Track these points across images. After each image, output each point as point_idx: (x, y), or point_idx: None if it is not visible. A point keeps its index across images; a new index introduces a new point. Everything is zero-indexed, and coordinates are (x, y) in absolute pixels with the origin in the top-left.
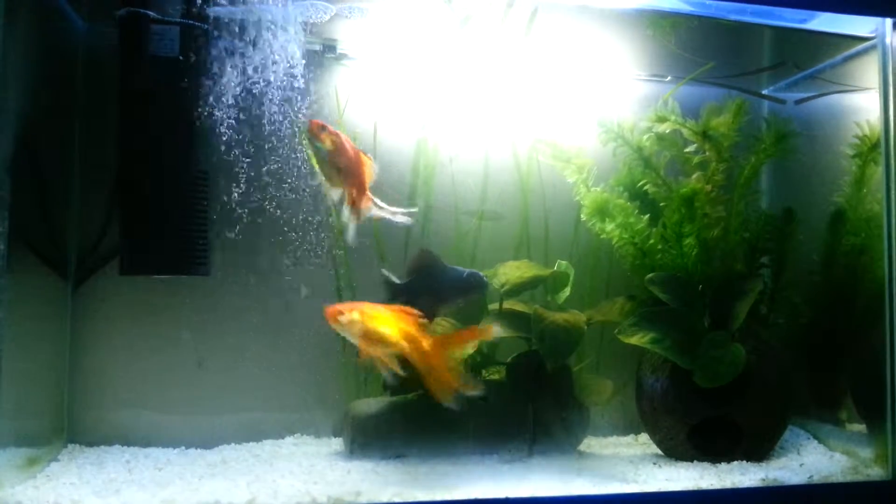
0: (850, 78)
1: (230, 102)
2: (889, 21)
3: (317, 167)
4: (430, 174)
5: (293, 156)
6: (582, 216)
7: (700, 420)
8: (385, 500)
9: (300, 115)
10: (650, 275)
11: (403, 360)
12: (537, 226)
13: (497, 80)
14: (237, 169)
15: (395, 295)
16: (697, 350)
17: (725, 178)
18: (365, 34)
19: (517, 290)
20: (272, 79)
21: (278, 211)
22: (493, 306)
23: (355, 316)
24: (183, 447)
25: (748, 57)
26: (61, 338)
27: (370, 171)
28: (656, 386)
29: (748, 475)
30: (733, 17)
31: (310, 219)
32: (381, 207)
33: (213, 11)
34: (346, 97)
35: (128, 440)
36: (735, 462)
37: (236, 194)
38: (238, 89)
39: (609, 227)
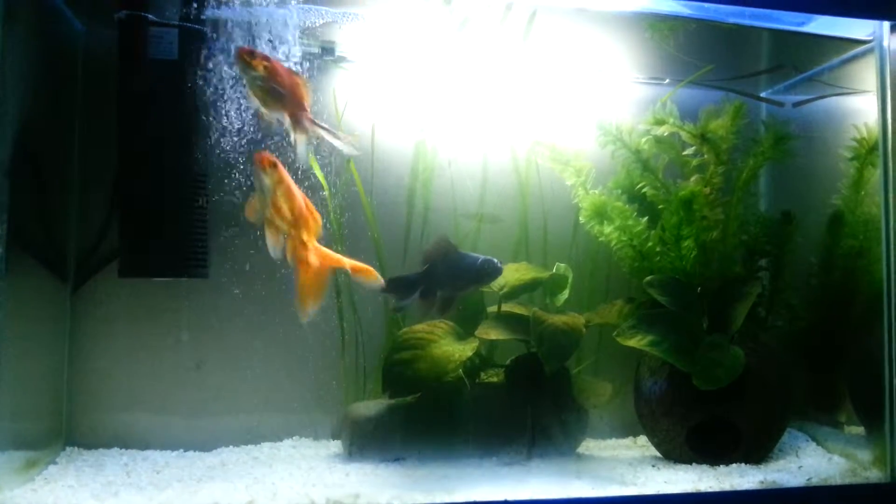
0: (847, 81)
1: (228, 104)
2: (887, 24)
3: (252, 95)
4: (429, 177)
5: (292, 156)
6: (581, 219)
7: (699, 422)
8: (384, 502)
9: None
10: (649, 277)
11: None
12: (536, 228)
13: (496, 82)
14: (236, 170)
15: (412, 286)
16: (696, 352)
17: (724, 180)
18: (363, 36)
19: (516, 292)
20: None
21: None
22: (492, 309)
23: (277, 175)
24: (181, 450)
25: (746, 60)
26: (60, 340)
27: (306, 90)
28: (655, 388)
29: (747, 477)
30: (731, 19)
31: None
32: (324, 129)
33: (211, 14)
34: (345, 99)
35: (126, 443)
36: (734, 464)
37: (236, 196)
38: (236, 91)
39: (608, 229)
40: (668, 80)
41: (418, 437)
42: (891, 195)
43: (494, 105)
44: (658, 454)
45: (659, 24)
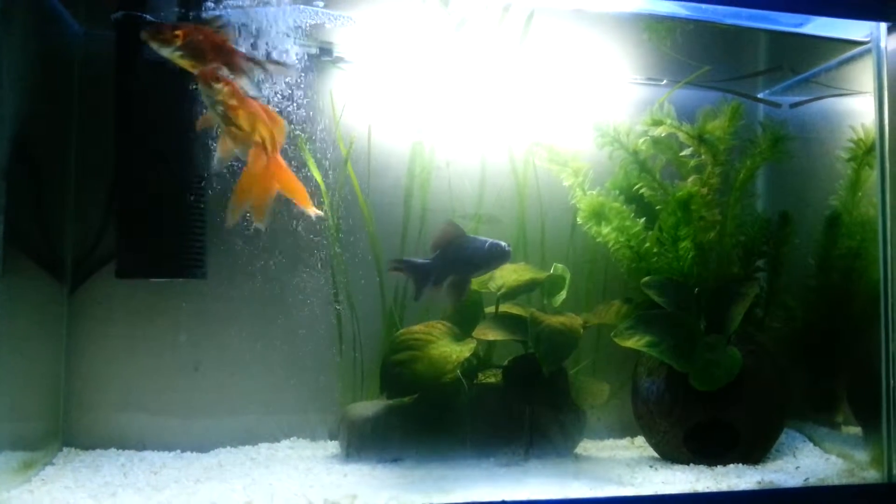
0: (845, 82)
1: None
2: (884, 25)
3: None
4: (427, 178)
5: (291, 157)
6: (578, 219)
7: (696, 423)
8: (381, 503)
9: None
10: (646, 278)
11: None
12: (534, 229)
13: (493, 83)
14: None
15: (422, 273)
16: (693, 353)
17: (721, 181)
18: (361, 37)
19: (514, 293)
20: (269, 82)
21: (276, 213)
22: (490, 309)
23: (224, 88)
24: (179, 450)
25: (744, 61)
26: (57, 341)
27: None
28: (652, 389)
29: (744, 478)
30: (729, 20)
31: (307, 220)
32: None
33: (209, 14)
34: (343, 101)
35: (123, 443)
36: (731, 465)
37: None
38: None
39: (605, 230)
40: (665, 81)
41: (416, 438)
42: (888, 196)
43: (492, 106)
44: (656, 455)
45: (656, 25)
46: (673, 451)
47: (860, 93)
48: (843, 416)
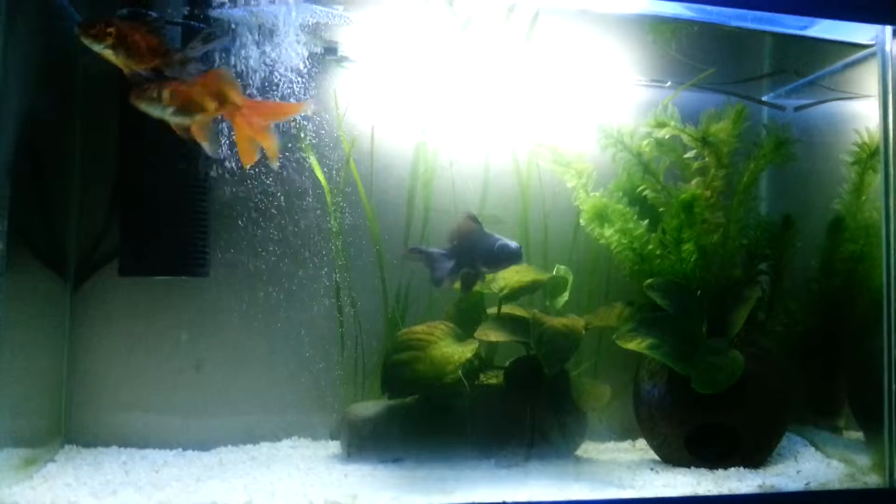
0: (849, 85)
1: None
2: (889, 28)
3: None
4: (430, 178)
5: (292, 157)
6: (581, 221)
7: (698, 426)
8: (382, 503)
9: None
10: (649, 280)
11: None
12: (537, 230)
13: (497, 84)
14: (237, 171)
15: (438, 263)
16: (695, 356)
17: (725, 184)
18: (366, 37)
19: (516, 294)
20: (273, 80)
21: (278, 212)
22: (492, 310)
23: (165, 93)
24: (180, 449)
25: (748, 63)
26: (59, 338)
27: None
28: (654, 391)
29: (745, 481)
30: (734, 23)
31: (310, 220)
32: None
33: (214, 13)
34: (347, 100)
35: (125, 441)
36: (732, 468)
37: (235, 193)
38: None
39: (608, 232)
40: (669, 83)
41: (417, 439)
42: (892, 200)
43: (496, 106)
44: (657, 457)
45: (661, 27)
46: (674, 454)
47: (864, 96)
48: (844, 420)
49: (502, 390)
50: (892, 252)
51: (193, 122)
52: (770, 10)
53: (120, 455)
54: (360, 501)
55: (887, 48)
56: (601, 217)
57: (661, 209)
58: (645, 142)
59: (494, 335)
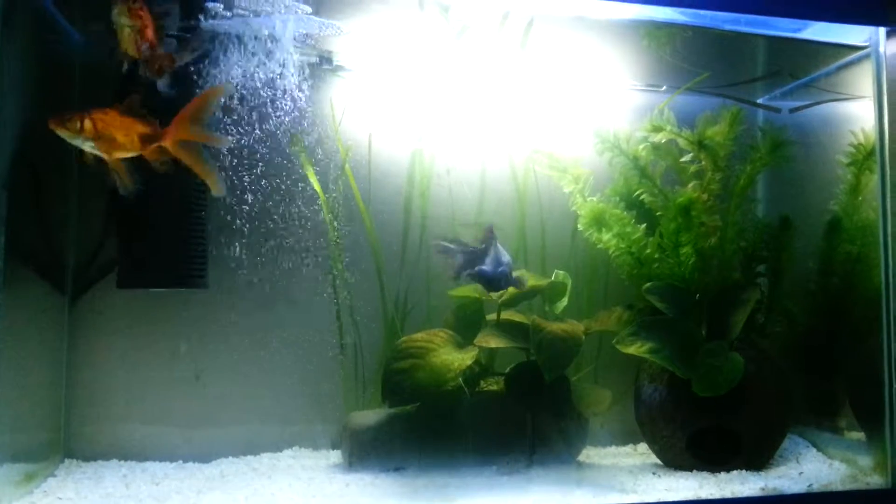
0: (844, 86)
1: (228, 111)
2: (883, 30)
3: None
4: (427, 185)
5: (290, 165)
6: (579, 226)
7: (699, 429)
8: None
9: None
10: (647, 284)
11: None
12: (534, 236)
13: (493, 90)
14: (235, 180)
15: (470, 258)
16: (695, 359)
17: (721, 187)
18: (361, 45)
19: (515, 300)
20: (270, 89)
21: (276, 222)
22: (491, 317)
23: (87, 124)
24: (181, 461)
25: (743, 66)
26: (58, 351)
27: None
28: (655, 395)
29: (748, 484)
30: (728, 26)
31: (309, 231)
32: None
33: (210, 22)
34: (342, 108)
35: (125, 454)
36: (734, 471)
37: (234, 205)
38: (235, 99)
39: (606, 236)
40: (665, 88)
41: (418, 447)
42: (888, 200)
43: (492, 113)
44: (659, 461)
45: (655, 32)
46: (676, 458)
47: (860, 97)
48: (845, 421)
49: (503, 397)
50: (890, 252)
51: (111, 159)
52: (764, 14)
53: (120, 468)
54: None
55: (881, 49)
56: (599, 222)
57: (658, 213)
58: (641, 146)
59: (494, 342)
